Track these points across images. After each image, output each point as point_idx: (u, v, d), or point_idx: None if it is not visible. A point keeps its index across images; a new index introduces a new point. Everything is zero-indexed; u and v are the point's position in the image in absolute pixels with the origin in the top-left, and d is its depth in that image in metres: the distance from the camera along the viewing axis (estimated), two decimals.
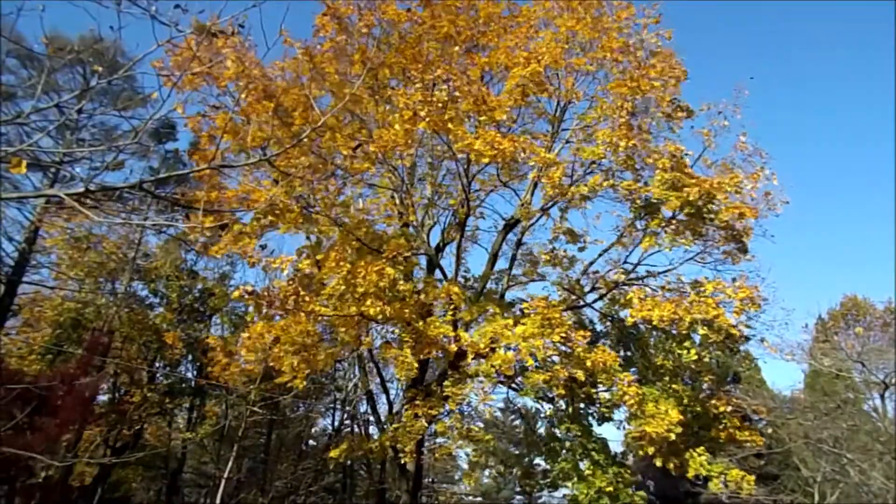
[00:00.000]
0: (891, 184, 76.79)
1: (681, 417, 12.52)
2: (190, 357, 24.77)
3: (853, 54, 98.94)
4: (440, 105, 12.15)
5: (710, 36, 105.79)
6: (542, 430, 18.44)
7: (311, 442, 32.71)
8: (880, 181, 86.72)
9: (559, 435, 14.80)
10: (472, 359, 13.15)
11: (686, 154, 14.42)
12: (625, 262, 15.49)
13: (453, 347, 12.78)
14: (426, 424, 13.70)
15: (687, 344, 14.14)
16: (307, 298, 11.68)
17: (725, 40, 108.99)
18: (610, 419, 14.80)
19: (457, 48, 13.82)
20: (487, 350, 12.61)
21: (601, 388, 14.26)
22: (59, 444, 16.24)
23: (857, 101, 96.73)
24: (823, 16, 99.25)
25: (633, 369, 14.83)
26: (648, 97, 14.24)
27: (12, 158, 5.02)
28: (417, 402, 13.56)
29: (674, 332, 13.94)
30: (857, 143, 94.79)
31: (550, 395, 14.97)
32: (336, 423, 29.60)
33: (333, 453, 15.96)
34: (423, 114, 11.91)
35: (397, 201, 15.26)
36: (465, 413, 14.97)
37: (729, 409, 14.75)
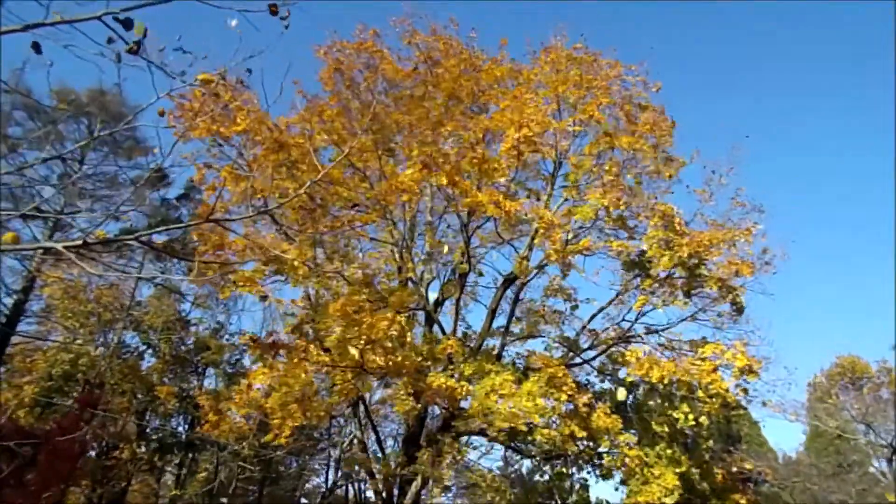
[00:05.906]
0: (890, 234, 77.07)
1: (677, 483, 12.12)
2: (182, 411, 24.21)
3: (855, 98, 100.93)
4: (452, 159, 12.34)
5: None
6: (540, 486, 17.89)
7: (304, 501, 31.76)
8: (879, 229, 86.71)
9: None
10: (471, 417, 12.85)
11: (677, 213, 14.39)
12: (623, 320, 15.35)
13: (454, 394, 12.48)
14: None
15: (684, 408, 13.74)
16: (310, 347, 11.56)
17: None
18: (610, 477, 14.39)
19: (461, 108, 14.07)
20: (487, 409, 12.31)
21: (602, 449, 13.92)
22: (41, 501, 15.65)
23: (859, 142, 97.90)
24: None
25: (632, 431, 14.48)
26: (638, 150, 14.41)
27: None
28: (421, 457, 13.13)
29: (674, 390, 13.65)
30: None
31: (552, 455, 14.59)
32: (330, 482, 28.77)
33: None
34: (436, 162, 12.06)
35: (397, 256, 15.22)
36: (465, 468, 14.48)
37: (729, 480, 14.30)
